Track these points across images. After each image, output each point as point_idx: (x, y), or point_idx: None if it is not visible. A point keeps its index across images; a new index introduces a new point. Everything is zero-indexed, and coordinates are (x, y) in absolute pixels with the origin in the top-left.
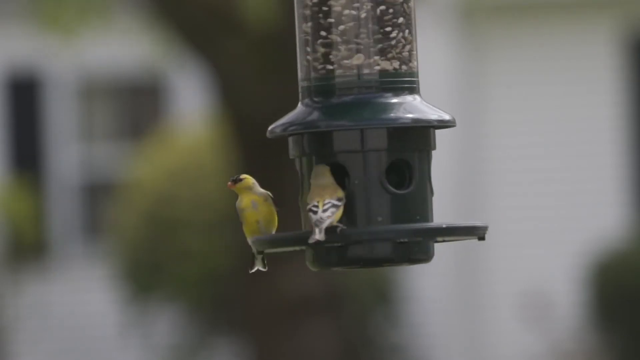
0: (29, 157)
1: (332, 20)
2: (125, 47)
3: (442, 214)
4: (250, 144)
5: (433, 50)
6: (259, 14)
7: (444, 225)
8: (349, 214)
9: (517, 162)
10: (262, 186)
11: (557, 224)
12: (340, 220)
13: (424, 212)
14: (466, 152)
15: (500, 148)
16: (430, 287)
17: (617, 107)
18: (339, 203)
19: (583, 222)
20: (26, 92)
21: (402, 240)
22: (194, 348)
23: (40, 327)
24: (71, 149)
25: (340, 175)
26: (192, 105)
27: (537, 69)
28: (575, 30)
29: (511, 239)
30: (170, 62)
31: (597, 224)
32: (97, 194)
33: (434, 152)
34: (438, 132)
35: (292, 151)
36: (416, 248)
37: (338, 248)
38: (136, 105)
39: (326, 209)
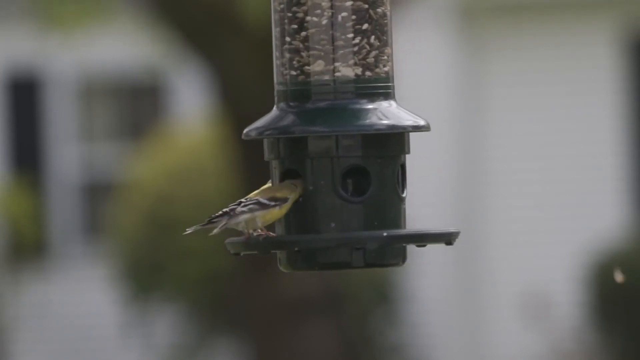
0: (29, 157)
1: (306, 26)
2: (125, 47)
3: (442, 214)
4: (250, 144)
5: (433, 50)
6: (258, 15)
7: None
8: (305, 220)
9: (517, 162)
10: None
11: (557, 224)
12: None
13: (387, 218)
14: (466, 152)
15: (500, 148)
16: (430, 287)
17: (617, 107)
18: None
19: (583, 222)
20: (26, 92)
21: (358, 247)
22: (194, 348)
23: (40, 327)
24: (71, 149)
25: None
26: (192, 105)
27: (537, 69)
28: (575, 31)
29: (511, 239)
30: (170, 62)
31: (597, 224)
32: (97, 194)
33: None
34: (438, 132)
35: (267, 154)
36: (374, 253)
37: (298, 252)
38: (136, 105)
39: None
